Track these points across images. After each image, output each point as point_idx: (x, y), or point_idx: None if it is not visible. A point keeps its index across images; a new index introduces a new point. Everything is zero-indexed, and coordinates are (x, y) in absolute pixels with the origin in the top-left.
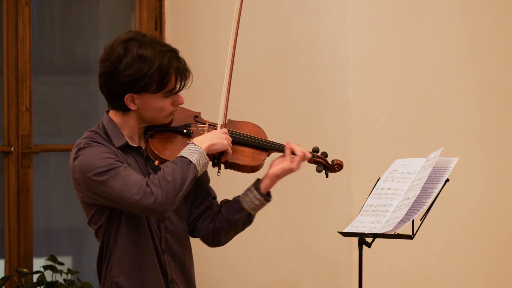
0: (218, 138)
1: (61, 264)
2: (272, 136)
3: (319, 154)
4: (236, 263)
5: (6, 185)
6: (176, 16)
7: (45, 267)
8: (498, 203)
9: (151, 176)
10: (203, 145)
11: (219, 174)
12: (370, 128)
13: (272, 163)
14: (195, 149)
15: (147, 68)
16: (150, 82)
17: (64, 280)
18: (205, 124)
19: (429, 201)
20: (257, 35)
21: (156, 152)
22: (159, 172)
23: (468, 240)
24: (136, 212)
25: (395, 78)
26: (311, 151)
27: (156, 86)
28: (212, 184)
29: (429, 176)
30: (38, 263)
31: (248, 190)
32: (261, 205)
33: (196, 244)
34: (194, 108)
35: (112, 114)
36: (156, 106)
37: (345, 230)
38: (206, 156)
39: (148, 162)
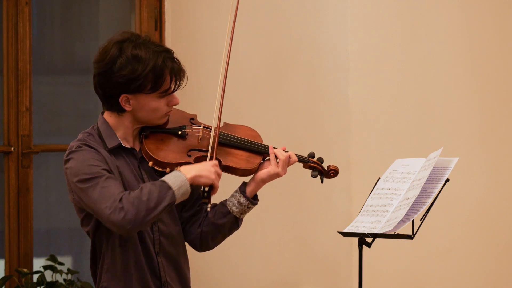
0: (206, 171)
1: (61, 264)
2: (272, 136)
3: (314, 159)
4: (236, 264)
5: (6, 185)
6: (176, 16)
7: (45, 267)
8: (498, 203)
9: (130, 192)
10: (189, 174)
11: (208, 209)
12: (370, 128)
13: (260, 167)
14: (178, 176)
15: (141, 68)
16: (145, 83)
17: (64, 280)
18: (200, 126)
19: (429, 201)
20: (257, 35)
21: (150, 153)
22: (137, 190)
23: (468, 240)
24: (106, 225)
25: (395, 78)
26: (307, 156)
27: (151, 86)
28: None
29: (429, 176)
30: (38, 263)
31: (234, 193)
32: (247, 208)
33: None
34: (194, 108)
35: (106, 115)
36: (151, 106)
37: (345, 230)
38: (188, 185)
39: (142, 164)
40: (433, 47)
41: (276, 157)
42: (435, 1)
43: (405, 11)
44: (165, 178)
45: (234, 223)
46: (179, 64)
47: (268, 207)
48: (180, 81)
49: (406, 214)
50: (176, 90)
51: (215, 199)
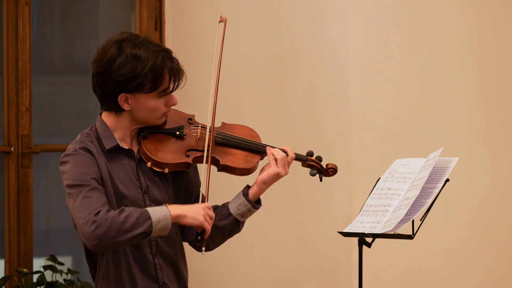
0: (194, 213)
1: (61, 264)
2: (272, 136)
3: (313, 158)
4: (236, 264)
5: (6, 185)
6: (176, 16)
7: (45, 267)
8: (498, 203)
9: (109, 209)
10: (174, 212)
11: (202, 252)
12: (370, 128)
13: (261, 169)
14: (162, 210)
15: (141, 67)
16: (144, 82)
17: (64, 280)
18: (198, 126)
19: (429, 201)
20: (257, 35)
21: (148, 154)
22: (117, 210)
23: (468, 240)
24: (78, 235)
25: (395, 78)
26: (305, 154)
27: (150, 85)
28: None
29: (429, 176)
30: (38, 263)
31: (236, 196)
32: (249, 212)
33: None
34: (194, 108)
35: (105, 116)
36: (149, 106)
37: (345, 230)
38: (170, 222)
39: (140, 164)
40: (433, 47)
41: (274, 157)
42: (435, 1)
43: (405, 11)
44: (149, 208)
45: (235, 225)
46: (178, 64)
47: (268, 207)
48: (178, 81)
49: (406, 214)
50: (175, 90)
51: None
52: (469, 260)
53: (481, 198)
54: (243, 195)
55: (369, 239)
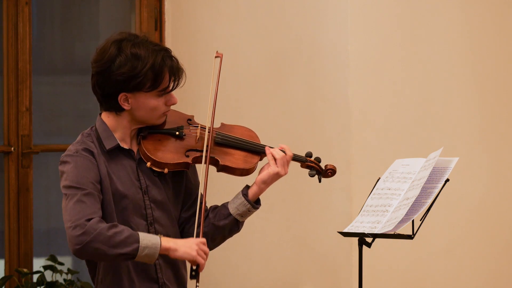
0: (186, 247)
1: (61, 264)
2: (272, 136)
3: (312, 158)
4: (236, 264)
5: (6, 185)
6: (176, 16)
7: (45, 267)
8: (498, 203)
9: (102, 220)
10: (165, 244)
11: (197, 287)
12: (370, 128)
13: (261, 169)
14: (153, 239)
15: (141, 66)
16: (144, 81)
17: (64, 280)
18: (197, 126)
19: (429, 201)
20: (257, 35)
21: (148, 154)
22: (109, 224)
23: (468, 240)
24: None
25: (395, 78)
26: (304, 155)
27: (150, 84)
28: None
29: (429, 176)
30: (38, 263)
31: (236, 196)
32: (248, 212)
33: None
34: (194, 108)
35: (104, 116)
36: (149, 105)
37: (345, 230)
38: (158, 252)
39: (140, 165)
40: (433, 47)
41: (273, 157)
42: (435, 1)
43: (405, 11)
44: (142, 233)
45: (234, 225)
46: (177, 62)
47: (268, 207)
48: (178, 80)
49: (406, 214)
50: (175, 88)
51: (219, 202)
52: (469, 260)
53: (481, 198)
54: (243, 195)
55: (369, 239)
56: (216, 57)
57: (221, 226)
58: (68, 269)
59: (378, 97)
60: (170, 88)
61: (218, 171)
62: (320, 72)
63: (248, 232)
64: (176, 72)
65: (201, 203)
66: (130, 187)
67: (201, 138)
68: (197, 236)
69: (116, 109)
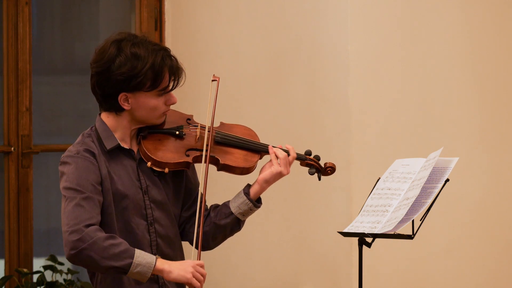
0: (181, 270)
1: (61, 264)
2: (272, 136)
3: (311, 157)
4: (236, 263)
5: (6, 185)
6: (176, 16)
7: (45, 267)
8: (498, 203)
9: (100, 229)
10: (160, 265)
11: None
12: (370, 128)
13: (262, 168)
14: (148, 258)
15: (141, 66)
16: (144, 80)
17: (64, 280)
18: (197, 126)
19: (429, 201)
20: (257, 35)
21: (148, 153)
22: (108, 234)
23: (468, 240)
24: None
25: (395, 78)
26: (304, 153)
27: (150, 84)
28: (209, 184)
29: (429, 176)
30: (38, 263)
31: (237, 195)
32: (250, 210)
33: None
34: (193, 108)
35: (104, 116)
36: (149, 105)
37: (345, 230)
38: (150, 272)
39: (140, 165)
40: (433, 47)
41: (276, 156)
42: (435, 1)
43: (405, 11)
44: (139, 251)
45: (235, 224)
46: (177, 62)
47: (268, 206)
48: (178, 79)
49: (406, 214)
50: (174, 88)
51: (219, 201)
52: (469, 260)
53: (481, 198)
54: (244, 194)
55: (369, 239)
56: (213, 80)
57: (223, 225)
58: (68, 269)
59: (378, 97)
60: (170, 87)
61: (218, 170)
62: (320, 72)
63: (248, 232)
64: (176, 71)
65: (201, 202)
66: (130, 187)
67: (201, 137)
68: (197, 236)
69: (116, 109)
